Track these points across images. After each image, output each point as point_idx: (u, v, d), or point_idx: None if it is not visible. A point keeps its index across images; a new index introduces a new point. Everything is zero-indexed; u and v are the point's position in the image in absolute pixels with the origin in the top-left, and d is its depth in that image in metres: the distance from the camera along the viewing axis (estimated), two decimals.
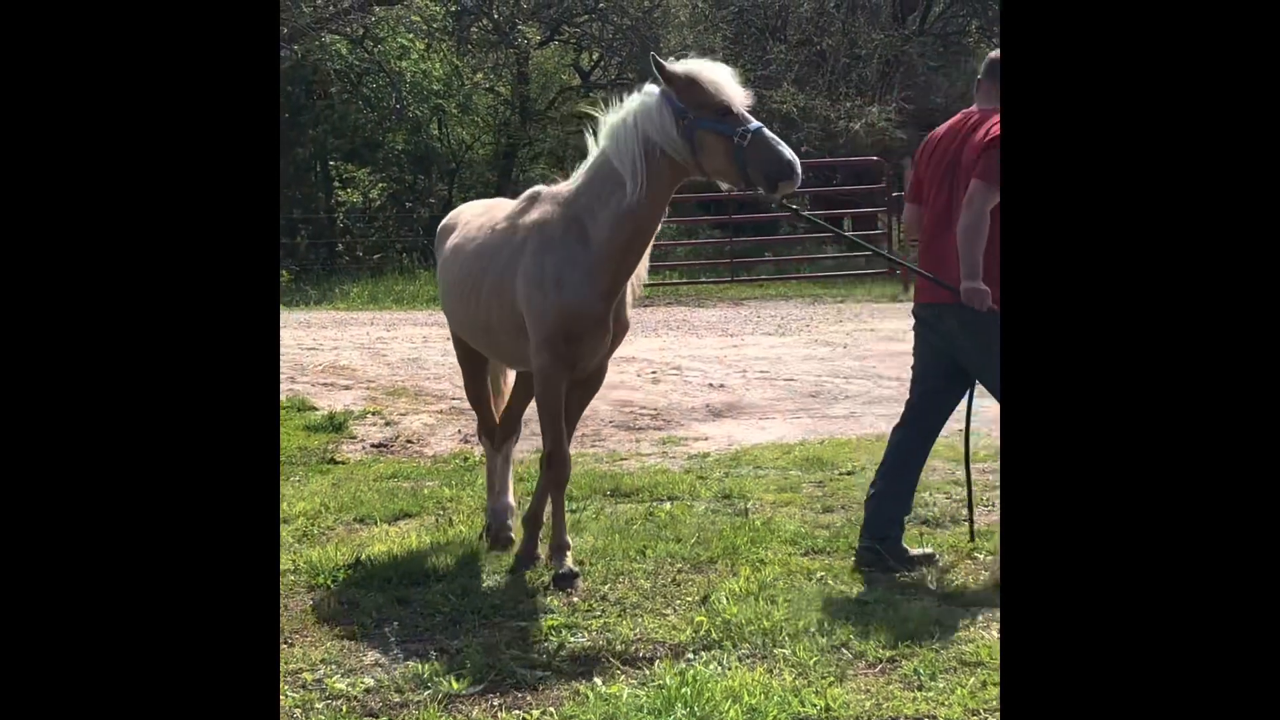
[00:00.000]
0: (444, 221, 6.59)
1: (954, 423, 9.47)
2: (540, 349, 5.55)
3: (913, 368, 6.05)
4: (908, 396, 6.09)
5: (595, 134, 5.58)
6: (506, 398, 6.65)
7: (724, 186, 5.54)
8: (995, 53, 5.77)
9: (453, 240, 6.22)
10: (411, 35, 29.49)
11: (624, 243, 5.45)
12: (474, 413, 6.72)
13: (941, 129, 5.90)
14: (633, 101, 5.47)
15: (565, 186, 5.74)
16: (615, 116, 5.50)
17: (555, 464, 5.69)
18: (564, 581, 5.49)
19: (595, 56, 35.63)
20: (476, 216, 6.22)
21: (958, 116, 5.83)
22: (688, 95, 5.24)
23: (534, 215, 5.70)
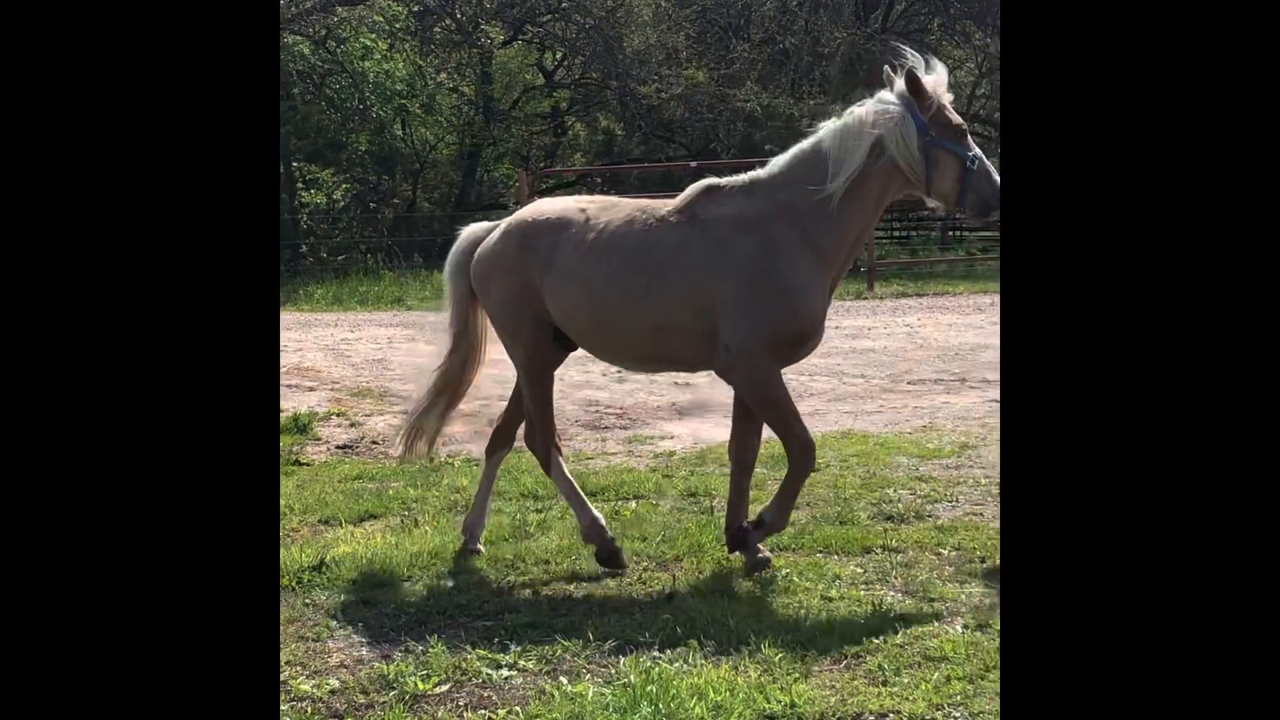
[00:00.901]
0: (520, 224, 5.95)
1: (917, 418, 9.54)
2: (761, 351, 5.49)
3: None
4: None
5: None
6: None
7: (930, 205, 5.70)
8: None
9: (575, 238, 5.74)
10: (374, 36, 29.45)
11: (849, 249, 5.62)
12: (539, 422, 6.09)
13: None
14: (869, 108, 5.50)
15: (756, 181, 5.67)
16: (847, 119, 5.52)
17: (810, 455, 5.71)
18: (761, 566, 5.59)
19: (559, 56, 35.64)
20: (603, 211, 5.83)
21: None
22: (935, 114, 5.38)
23: (725, 212, 5.59)
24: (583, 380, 11.80)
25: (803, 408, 10.23)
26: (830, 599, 5.23)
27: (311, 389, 11.73)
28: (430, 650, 4.72)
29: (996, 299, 18.76)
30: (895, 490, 7.18)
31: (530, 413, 6.07)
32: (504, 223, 6.07)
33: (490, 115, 33.38)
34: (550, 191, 33.15)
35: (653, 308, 5.57)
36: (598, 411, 10.35)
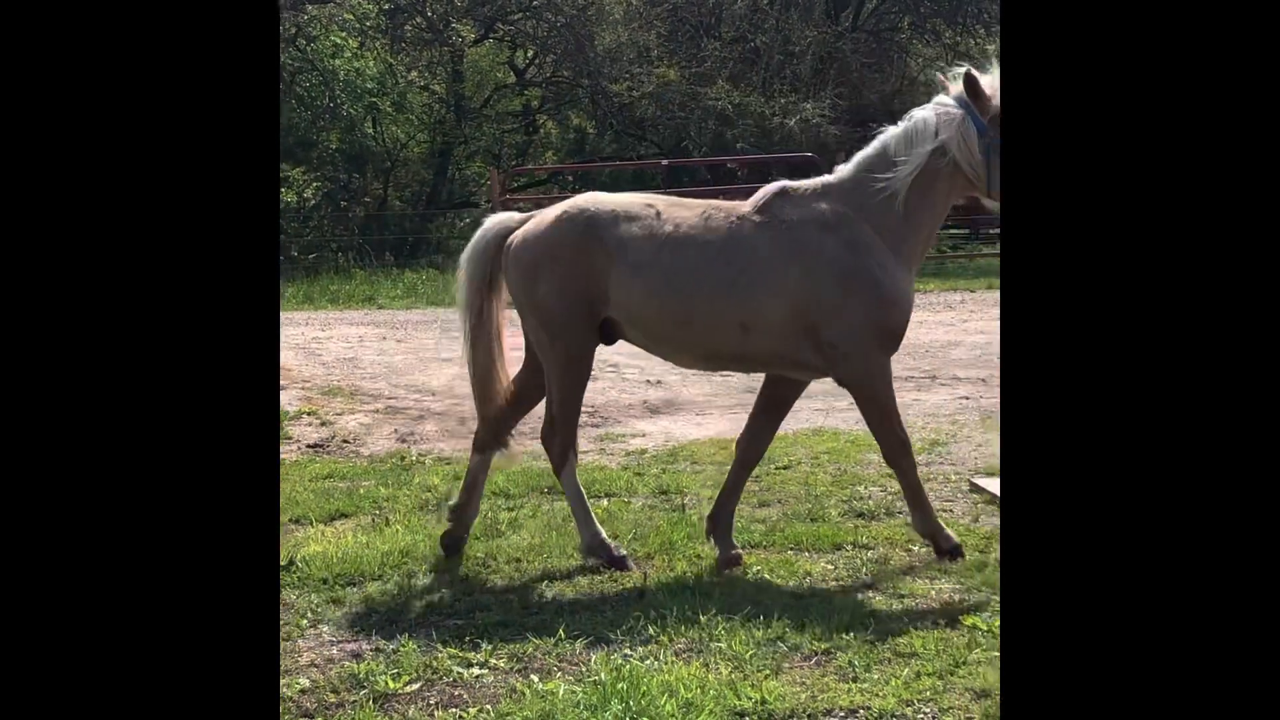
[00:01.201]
0: (581, 213, 5.79)
1: None
2: (869, 346, 5.63)
3: None
4: None
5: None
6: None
7: (989, 206, 5.80)
8: None
9: (650, 230, 5.70)
10: (344, 33, 29.38)
11: (920, 250, 5.83)
12: (563, 422, 5.94)
13: None
14: (930, 111, 5.65)
15: (828, 185, 5.78)
16: (909, 122, 5.68)
17: (905, 452, 5.78)
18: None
19: (530, 54, 35.57)
20: (672, 207, 5.83)
21: None
22: (994, 115, 5.46)
23: (805, 214, 5.67)
24: None
25: None
26: (801, 596, 5.25)
27: (283, 388, 11.69)
28: (401, 649, 4.72)
29: (966, 296, 18.77)
30: (866, 487, 7.20)
31: (555, 410, 5.93)
32: (551, 212, 5.90)
33: (461, 113, 33.30)
34: (522, 190, 33.17)
35: (739, 305, 5.60)
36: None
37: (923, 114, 5.68)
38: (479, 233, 6.06)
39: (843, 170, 5.83)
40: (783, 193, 5.75)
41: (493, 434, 6.15)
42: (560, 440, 5.94)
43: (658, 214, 5.73)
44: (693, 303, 5.64)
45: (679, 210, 5.78)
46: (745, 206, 5.76)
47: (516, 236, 5.90)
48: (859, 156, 5.80)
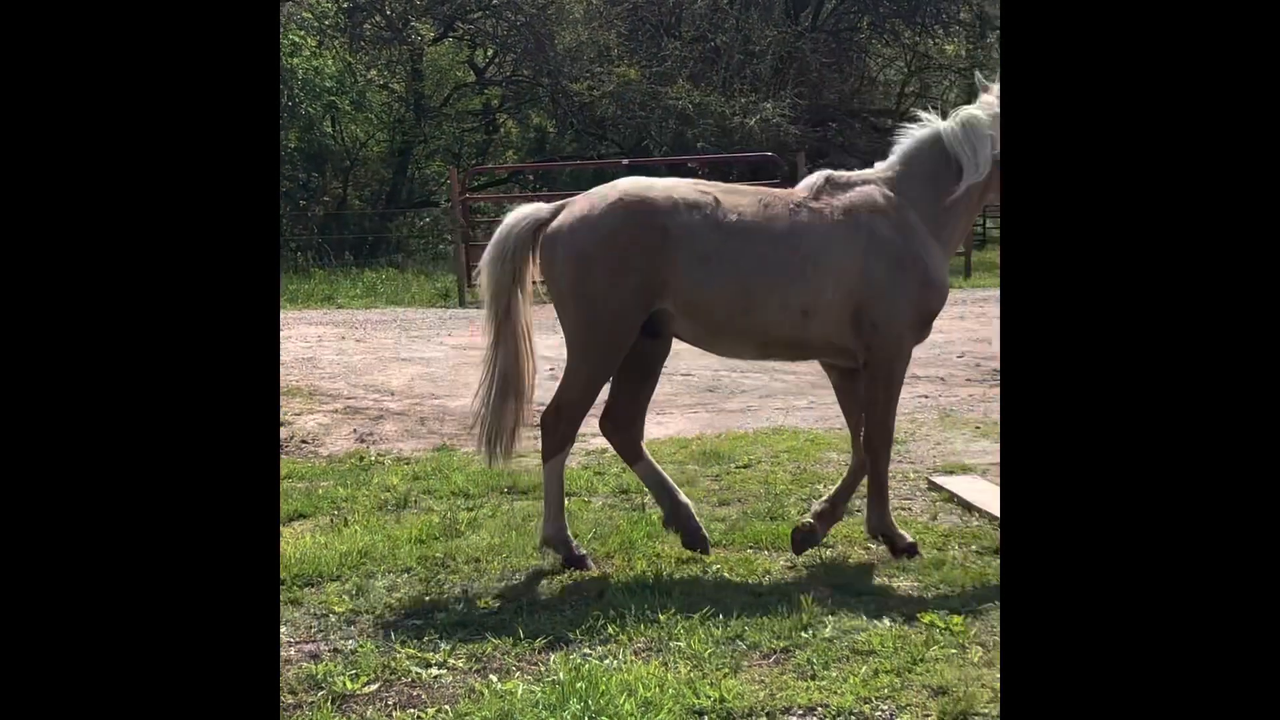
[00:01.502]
0: (637, 200, 5.63)
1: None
2: (908, 328, 5.83)
3: None
4: None
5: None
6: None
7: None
8: None
9: (713, 219, 5.65)
10: (303, 32, 29.25)
11: (956, 242, 6.14)
12: (574, 411, 5.89)
13: None
14: (979, 110, 5.88)
15: (878, 173, 5.96)
16: (964, 120, 5.88)
17: (888, 449, 5.99)
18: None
19: (490, 53, 35.53)
20: (728, 195, 5.81)
21: None
22: None
23: (856, 199, 5.81)
24: None
25: (734, 404, 10.34)
26: (760, 594, 5.25)
27: None
28: (359, 649, 4.70)
29: None
30: (825, 486, 7.21)
31: (571, 398, 5.85)
32: (600, 200, 5.72)
33: (421, 112, 33.25)
34: (482, 190, 33.12)
35: (802, 291, 5.66)
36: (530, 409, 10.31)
37: (974, 112, 5.86)
38: (507, 225, 5.86)
39: (892, 158, 6.02)
40: (831, 180, 5.91)
41: (631, 445, 6.11)
42: (564, 430, 5.88)
43: (717, 201, 5.71)
44: (760, 290, 5.65)
45: (736, 198, 5.79)
46: (799, 193, 5.86)
47: (560, 226, 5.74)
48: (908, 146, 5.99)
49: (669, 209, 5.62)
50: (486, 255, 5.88)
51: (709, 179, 29.81)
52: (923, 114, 6.07)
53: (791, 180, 21.74)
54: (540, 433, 5.96)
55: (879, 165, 6.03)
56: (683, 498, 6.02)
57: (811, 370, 11.94)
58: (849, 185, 5.87)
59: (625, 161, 23.91)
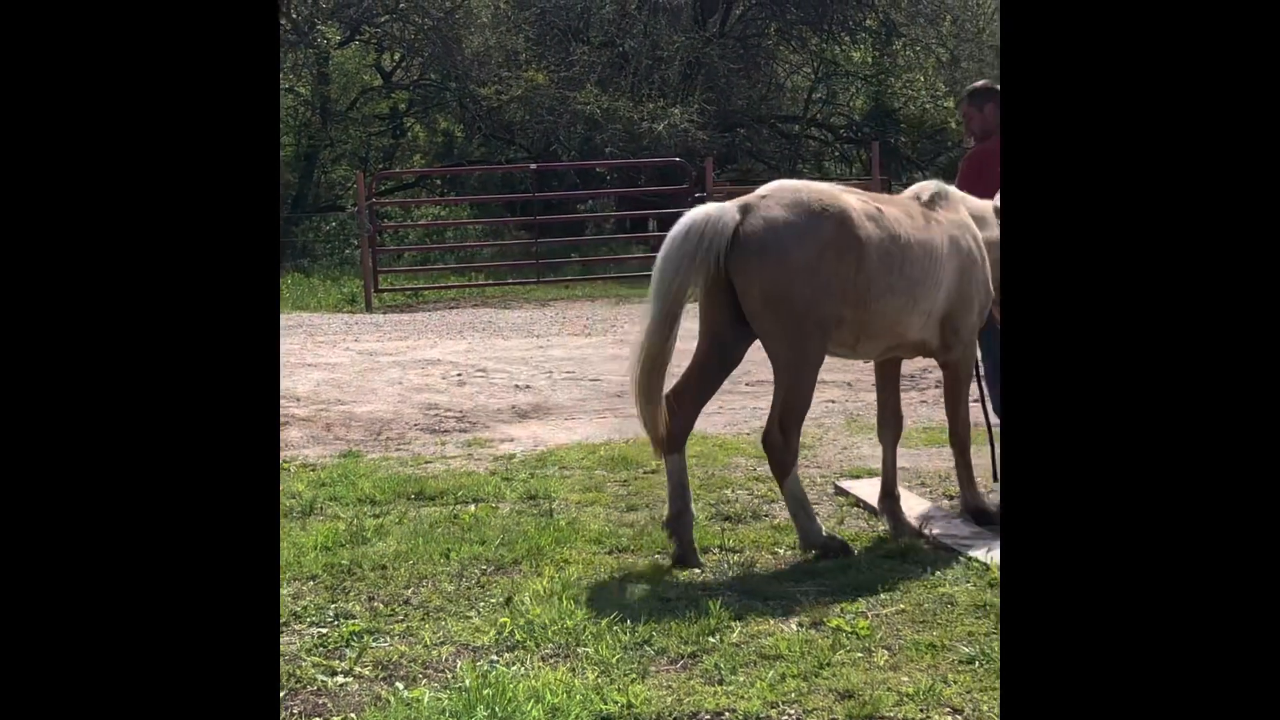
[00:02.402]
0: (837, 208, 5.73)
1: (756, 419, 9.63)
2: (975, 337, 6.48)
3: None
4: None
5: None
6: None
7: None
8: (980, 82, 7.87)
9: (890, 228, 5.89)
10: None
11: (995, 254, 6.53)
12: (797, 422, 5.97)
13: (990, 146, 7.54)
14: None
15: (950, 194, 6.51)
16: None
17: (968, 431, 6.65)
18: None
19: (397, 57, 35.33)
20: (885, 205, 6.10)
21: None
22: None
23: (953, 214, 6.34)
24: (422, 384, 11.72)
25: None
26: (668, 599, 5.26)
27: None
28: None
29: None
30: (734, 490, 7.25)
31: (790, 410, 5.86)
32: (800, 209, 5.70)
33: (327, 116, 32.97)
34: (389, 194, 32.91)
35: (929, 297, 6.11)
36: (437, 415, 10.28)
37: None
38: (697, 224, 5.70)
39: (949, 185, 6.62)
40: (942, 192, 6.45)
41: (683, 430, 6.02)
42: (790, 443, 5.90)
43: (880, 211, 5.96)
44: (919, 298, 6.04)
45: (892, 208, 6.12)
46: (921, 203, 6.32)
47: (766, 232, 5.66)
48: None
49: (859, 220, 5.78)
50: (673, 250, 5.72)
51: (616, 184, 29.84)
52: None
53: (700, 186, 21.83)
54: (767, 454, 6.00)
55: (940, 183, 6.56)
56: (692, 508, 6.02)
57: None
58: (948, 198, 6.41)
59: (533, 166, 23.92)
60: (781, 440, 5.86)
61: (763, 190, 5.90)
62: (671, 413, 5.94)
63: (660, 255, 5.74)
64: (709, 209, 5.74)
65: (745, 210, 5.73)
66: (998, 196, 6.48)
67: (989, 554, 5.70)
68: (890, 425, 6.63)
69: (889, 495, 6.45)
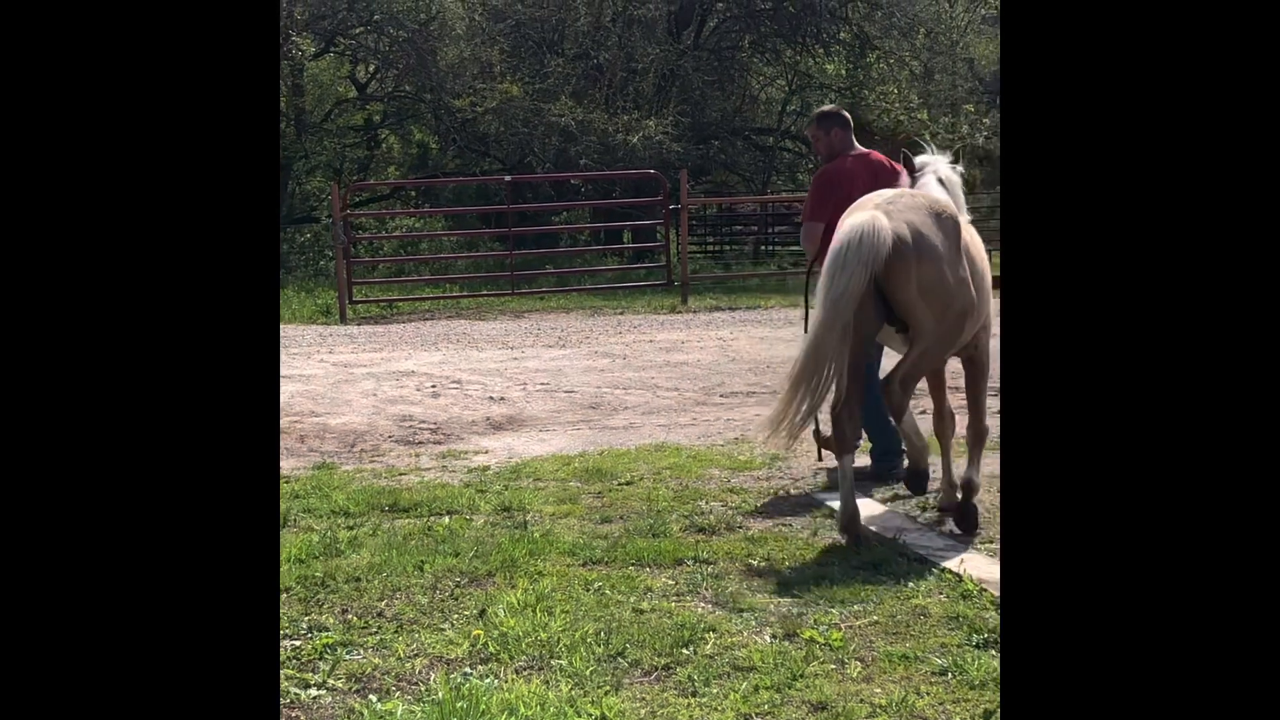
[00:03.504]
0: (946, 210, 6.51)
1: (729, 431, 9.65)
2: (988, 332, 6.82)
3: None
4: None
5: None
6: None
7: None
8: (827, 106, 8.22)
9: (968, 236, 6.57)
10: None
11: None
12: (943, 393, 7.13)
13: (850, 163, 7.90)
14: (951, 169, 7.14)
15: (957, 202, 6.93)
16: (953, 173, 7.13)
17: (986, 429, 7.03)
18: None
19: (372, 69, 35.29)
20: (951, 207, 6.63)
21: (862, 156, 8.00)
22: None
23: (969, 221, 6.78)
24: (396, 395, 11.70)
25: (617, 421, 10.35)
26: (642, 611, 5.26)
27: None
28: None
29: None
30: (707, 502, 7.26)
31: (917, 369, 6.50)
32: (927, 214, 6.39)
33: (302, 128, 32.92)
34: (364, 206, 32.85)
35: (984, 288, 6.55)
36: (411, 427, 10.26)
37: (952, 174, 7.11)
38: (865, 233, 6.14)
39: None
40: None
41: (856, 432, 6.55)
42: (908, 397, 6.55)
43: (953, 213, 6.58)
44: (981, 289, 6.52)
45: (954, 210, 6.64)
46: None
47: (914, 236, 6.24)
48: (958, 185, 7.11)
49: (960, 220, 6.55)
50: (849, 257, 6.14)
51: (591, 196, 29.82)
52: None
53: (674, 198, 21.87)
54: (887, 399, 6.59)
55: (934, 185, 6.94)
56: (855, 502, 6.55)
57: (694, 388, 12.01)
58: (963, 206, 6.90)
59: (508, 178, 23.91)
60: (900, 392, 6.47)
61: (885, 199, 6.47)
62: (841, 419, 6.43)
63: (830, 264, 6.21)
64: (868, 221, 6.21)
65: (888, 218, 6.30)
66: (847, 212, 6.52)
67: (961, 565, 5.73)
68: (947, 424, 7.12)
69: (950, 487, 6.95)
